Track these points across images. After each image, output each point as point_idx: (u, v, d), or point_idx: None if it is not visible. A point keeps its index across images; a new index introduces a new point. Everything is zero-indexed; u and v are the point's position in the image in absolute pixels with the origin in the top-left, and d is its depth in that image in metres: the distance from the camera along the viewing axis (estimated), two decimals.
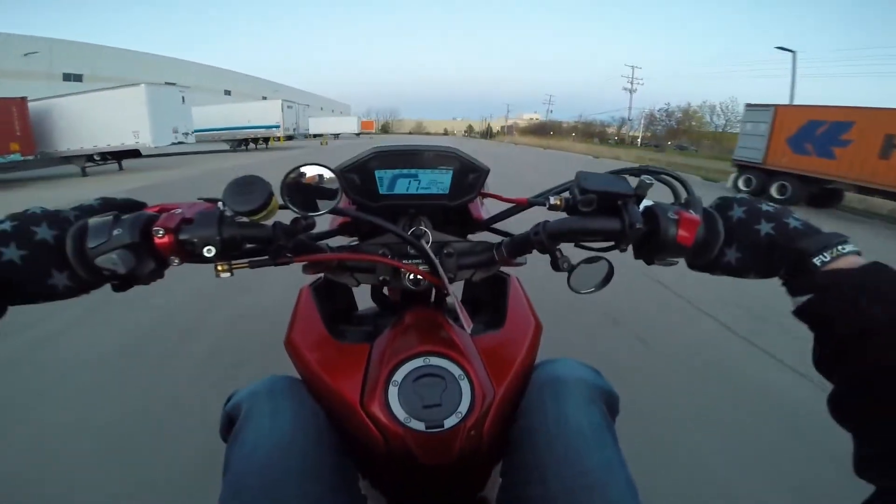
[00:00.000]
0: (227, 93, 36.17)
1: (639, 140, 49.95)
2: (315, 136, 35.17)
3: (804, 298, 0.40)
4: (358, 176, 0.57)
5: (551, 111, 74.78)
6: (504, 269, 0.69)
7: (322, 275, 0.68)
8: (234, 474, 0.45)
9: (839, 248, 0.39)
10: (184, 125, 12.58)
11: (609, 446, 0.48)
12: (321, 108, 55.97)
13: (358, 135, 41.61)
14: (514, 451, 0.51)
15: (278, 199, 0.44)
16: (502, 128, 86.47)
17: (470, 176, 0.59)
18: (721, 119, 43.84)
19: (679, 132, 45.49)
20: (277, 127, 21.06)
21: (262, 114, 20.98)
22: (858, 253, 0.40)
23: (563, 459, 0.46)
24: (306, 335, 0.59)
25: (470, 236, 0.70)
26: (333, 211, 0.47)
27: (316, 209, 0.45)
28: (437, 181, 0.58)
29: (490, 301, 0.73)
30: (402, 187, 0.58)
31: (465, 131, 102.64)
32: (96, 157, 11.61)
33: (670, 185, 0.53)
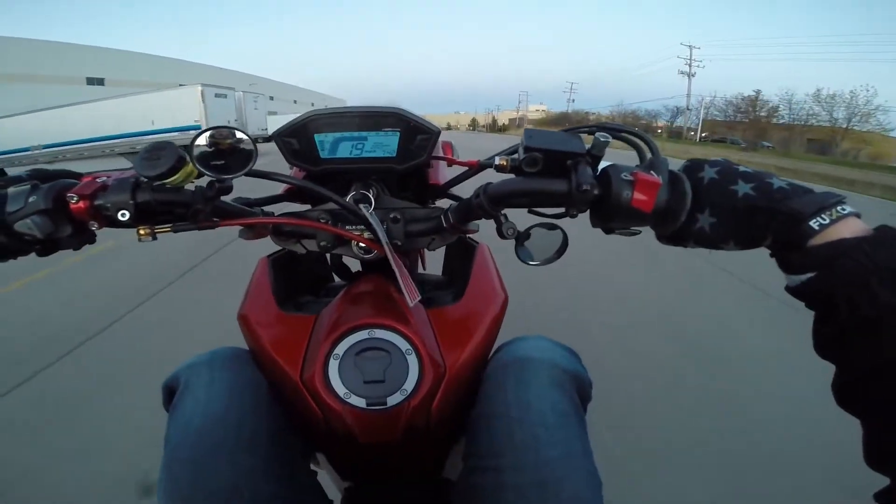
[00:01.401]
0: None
1: (698, 133, 40.00)
2: None
3: (803, 277, 0.34)
4: (296, 140, 0.56)
5: (573, 100, 66.35)
6: (474, 237, 0.68)
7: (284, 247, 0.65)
8: (169, 447, 0.45)
9: (838, 209, 0.34)
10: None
11: (573, 437, 0.45)
12: (294, 102, 46.12)
13: None
14: (472, 436, 0.49)
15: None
16: (510, 120, 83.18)
17: (418, 137, 0.56)
18: (839, 111, 30.75)
19: (759, 125, 34.86)
20: (197, 128, 10.59)
21: (169, 109, 13.55)
22: (858, 215, 0.34)
23: (521, 449, 0.44)
24: (257, 307, 0.58)
25: (436, 204, 0.68)
26: (251, 173, 0.46)
27: (229, 172, 0.44)
28: (382, 144, 0.56)
29: (461, 273, 0.68)
30: (344, 151, 0.56)
31: (469, 125, 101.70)
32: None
33: (633, 145, 0.51)
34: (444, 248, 0.65)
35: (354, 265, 0.70)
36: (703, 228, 0.39)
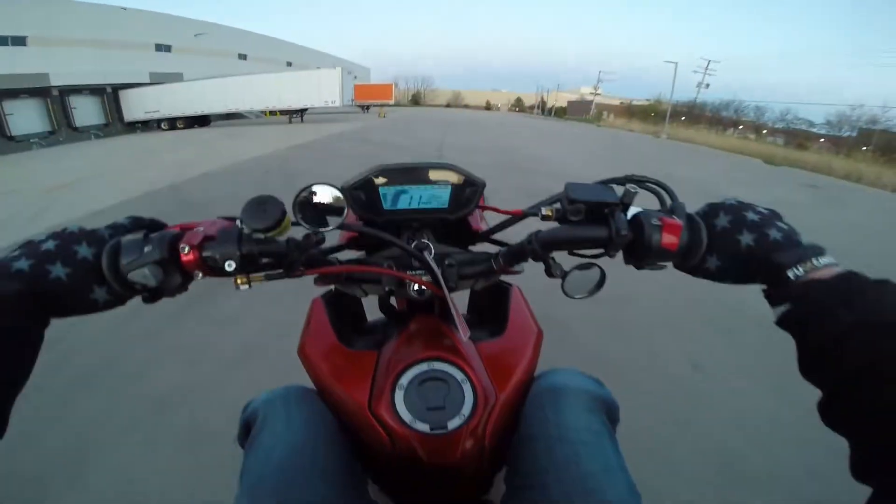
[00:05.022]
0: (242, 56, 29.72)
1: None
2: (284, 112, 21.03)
3: (783, 308, 0.41)
4: (363, 193, 0.61)
5: (598, 92, 63.02)
6: (506, 279, 0.73)
7: (332, 287, 0.70)
8: (250, 476, 0.47)
9: (814, 260, 0.41)
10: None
11: (609, 453, 0.49)
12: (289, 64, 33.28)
13: (366, 108, 25.84)
14: (515, 458, 0.52)
15: (291, 216, 0.48)
16: (570, 104, 70.19)
17: (467, 190, 0.62)
18: None
19: None
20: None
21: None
22: (836, 264, 0.41)
23: (563, 465, 0.47)
24: (318, 344, 0.62)
25: (472, 248, 0.72)
26: (341, 226, 0.50)
27: (325, 225, 0.49)
28: (437, 196, 0.63)
29: (494, 311, 0.74)
30: (404, 203, 0.63)
31: (513, 105, 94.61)
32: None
33: (656, 193, 0.56)
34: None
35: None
36: (709, 268, 0.48)
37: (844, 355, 0.35)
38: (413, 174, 0.61)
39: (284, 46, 34.83)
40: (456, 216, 0.65)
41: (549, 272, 0.55)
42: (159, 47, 23.04)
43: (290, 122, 20.16)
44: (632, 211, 0.50)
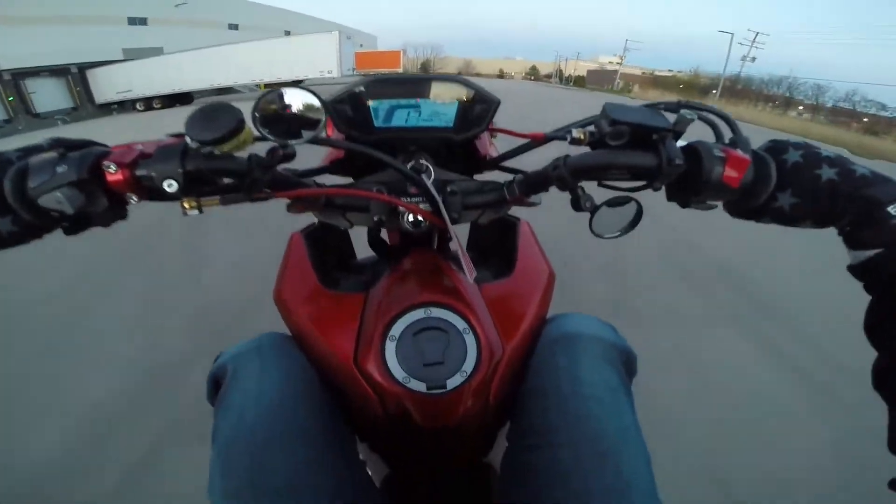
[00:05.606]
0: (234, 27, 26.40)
1: None
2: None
3: (870, 253, 0.36)
4: (350, 107, 0.53)
5: (621, 62, 58.47)
6: (512, 213, 0.66)
7: (315, 221, 0.62)
8: (222, 438, 0.43)
9: None
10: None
11: (626, 411, 0.45)
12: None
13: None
14: (521, 414, 0.48)
15: (253, 129, 0.41)
16: (589, 73, 65.25)
17: (478, 107, 0.55)
18: None
19: None
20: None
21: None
22: None
23: (575, 424, 0.43)
24: (297, 286, 0.55)
25: (477, 177, 0.65)
26: (316, 140, 0.44)
27: (295, 137, 0.42)
28: (440, 113, 0.54)
29: (497, 249, 0.67)
30: (400, 119, 0.54)
31: (528, 73, 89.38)
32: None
33: (712, 125, 0.50)
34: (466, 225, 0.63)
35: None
36: (782, 207, 0.41)
37: None
38: (412, 87, 0.52)
39: (282, 14, 31.52)
40: (463, 137, 0.56)
41: (578, 205, 0.47)
42: (133, 20, 20.70)
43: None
44: (681, 143, 0.44)
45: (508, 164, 0.66)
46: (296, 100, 0.42)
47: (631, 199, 0.48)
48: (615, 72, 57.91)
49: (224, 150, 0.40)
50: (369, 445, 0.59)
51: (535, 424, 0.45)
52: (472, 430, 0.50)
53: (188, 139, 0.39)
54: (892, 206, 0.36)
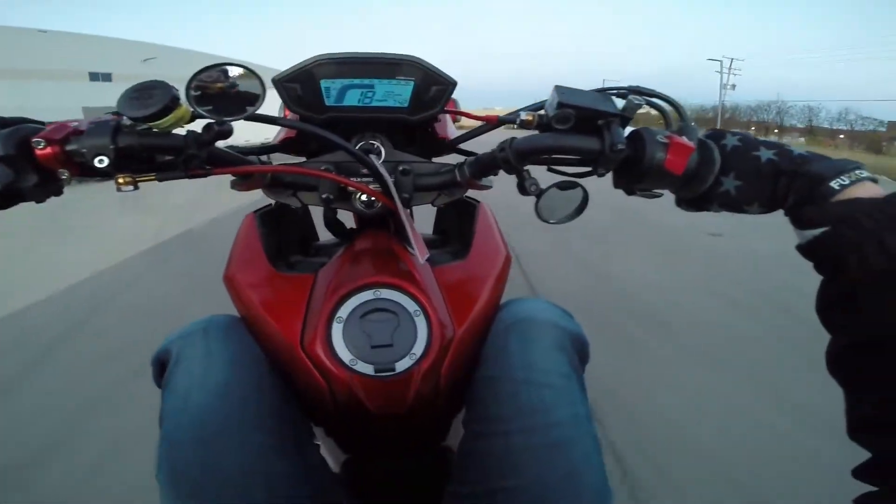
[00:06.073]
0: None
1: None
2: None
3: (816, 232, 0.35)
4: (300, 85, 0.50)
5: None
6: (473, 195, 0.66)
7: (272, 202, 0.62)
8: (168, 426, 0.42)
9: (856, 172, 0.35)
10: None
11: (578, 399, 0.45)
12: None
13: None
14: (475, 400, 0.47)
15: (188, 106, 0.41)
16: None
17: (433, 88, 0.52)
18: None
19: None
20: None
21: None
22: (875, 180, 0.35)
23: (529, 412, 0.43)
24: (246, 268, 0.53)
25: (436, 160, 0.62)
26: (254, 118, 0.43)
27: (232, 115, 0.41)
28: (394, 93, 0.51)
29: (460, 232, 0.67)
30: (352, 99, 0.51)
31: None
32: None
33: (662, 111, 0.50)
34: (431, 208, 0.64)
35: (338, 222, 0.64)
36: (728, 192, 0.41)
37: (887, 301, 0.30)
38: (366, 66, 0.49)
39: (264, 72, 31.05)
40: (418, 118, 0.53)
41: (523, 188, 0.48)
42: (95, 76, 19.32)
43: None
44: (629, 129, 0.44)
45: (472, 146, 0.62)
46: (232, 76, 0.41)
47: (577, 185, 0.48)
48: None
49: (162, 127, 0.39)
50: (325, 431, 0.56)
51: (488, 412, 0.45)
52: (425, 415, 0.48)
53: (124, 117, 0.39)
54: (834, 181, 0.35)
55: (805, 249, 0.36)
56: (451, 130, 0.68)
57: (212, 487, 0.38)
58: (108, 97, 18.98)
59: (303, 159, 0.59)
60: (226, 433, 0.40)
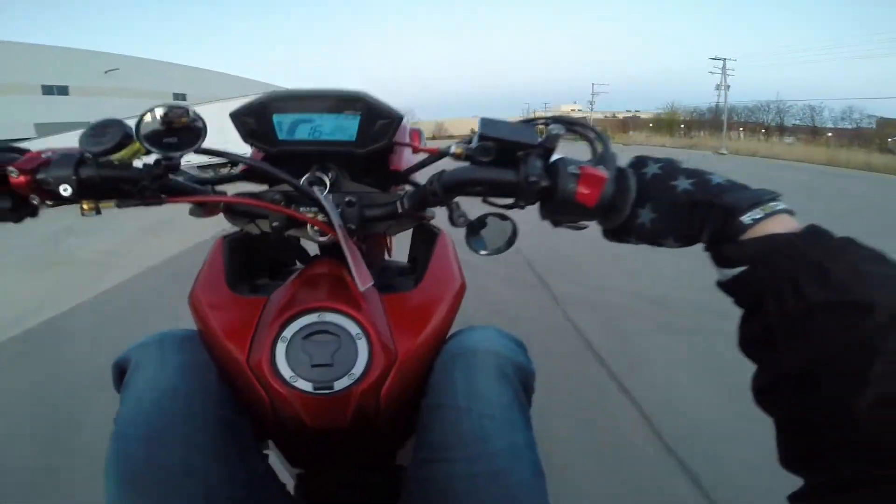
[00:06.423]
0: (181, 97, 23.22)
1: None
2: None
3: (735, 272, 0.35)
4: (254, 119, 0.53)
5: (592, 103, 57.06)
6: (436, 224, 0.66)
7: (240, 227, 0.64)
8: (120, 425, 0.44)
9: (771, 204, 0.35)
10: None
11: (519, 428, 0.47)
12: None
13: None
14: (423, 427, 0.49)
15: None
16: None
17: (379, 122, 0.53)
18: None
19: None
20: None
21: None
22: (791, 213, 0.35)
23: (470, 441, 0.45)
24: (207, 288, 0.56)
25: (398, 189, 0.66)
26: (200, 150, 0.45)
27: (179, 150, 0.44)
28: (342, 127, 0.53)
29: (424, 259, 0.66)
30: (303, 132, 0.54)
31: None
32: None
33: (588, 140, 0.48)
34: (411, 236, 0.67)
35: (313, 248, 0.66)
36: (643, 224, 0.40)
37: (801, 339, 0.30)
38: (315, 101, 0.52)
39: (240, 83, 29.24)
40: (364, 151, 0.55)
41: (452, 220, 0.50)
42: (49, 89, 17.65)
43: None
44: (555, 157, 0.44)
45: (422, 176, 0.62)
46: (176, 114, 0.44)
47: (506, 217, 0.50)
48: (584, 118, 57.59)
49: (121, 160, 0.43)
50: (275, 444, 0.58)
51: (434, 438, 0.47)
52: (367, 433, 0.50)
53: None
54: (747, 215, 0.34)
55: (726, 286, 0.36)
56: (408, 161, 0.68)
57: (152, 480, 0.40)
58: (62, 112, 17.24)
59: (265, 187, 0.60)
60: (170, 430, 0.42)
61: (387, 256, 0.90)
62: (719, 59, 25.84)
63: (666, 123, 48.40)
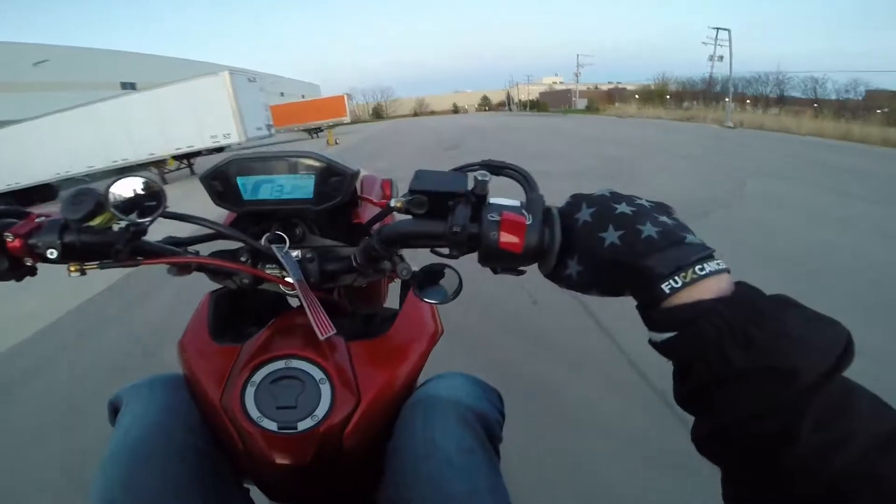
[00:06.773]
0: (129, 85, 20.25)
1: None
2: None
3: (665, 335, 0.34)
4: (220, 182, 0.57)
5: (577, 75, 55.44)
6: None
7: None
8: (107, 455, 0.47)
9: (697, 269, 0.33)
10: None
11: (479, 474, 0.47)
12: (282, 95, 31.16)
13: (315, 132, 21.90)
14: (388, 470, 0.51)
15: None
16: (541, 95, 60.09)
17: (332, 179, 0.57)
18: None
19: None
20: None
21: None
22: (724, 270, 0.33)
23: (427, 484, 0.45)
24: (192, 337, 0.61)
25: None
26: (165, 215, 0.50)
27: (146, 215, 0.47)
28: (300, 186, 0.57)
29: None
30: (266, 192, 0.57)
31: (480, 104, 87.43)
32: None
33: (519, 182, 0.49)
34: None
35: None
36: (570, 275, 0.39)
37: (732, 398, 0.31)
38: (272, 163, 0.56)
39: (196, 66, 26.45)
40: (321, 208, 0.58)
41: (396, 272, 0.53)
42: None
43: (164, 181, 9.79)
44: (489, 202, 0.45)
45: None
46: (138, 184, 0.47)
47: (449, 267, 0.52)
48: (569, 91, 53.81)
49: (99, 225, 0.46)
50: (253, 479, 0.60)
51: (397, 480, 0.48)
52: (332, 471, 0.52)
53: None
54: (666, 284, 0.33)
55: (656, 347, 0.35)
56: (371, 213, 0.70)
57: None
58: None
59: (240, 245, 0.63)
60: (151, 460, 0.45)
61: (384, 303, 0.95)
62: (724, 29, 23.97)
63: (657, 94, 46.27)
